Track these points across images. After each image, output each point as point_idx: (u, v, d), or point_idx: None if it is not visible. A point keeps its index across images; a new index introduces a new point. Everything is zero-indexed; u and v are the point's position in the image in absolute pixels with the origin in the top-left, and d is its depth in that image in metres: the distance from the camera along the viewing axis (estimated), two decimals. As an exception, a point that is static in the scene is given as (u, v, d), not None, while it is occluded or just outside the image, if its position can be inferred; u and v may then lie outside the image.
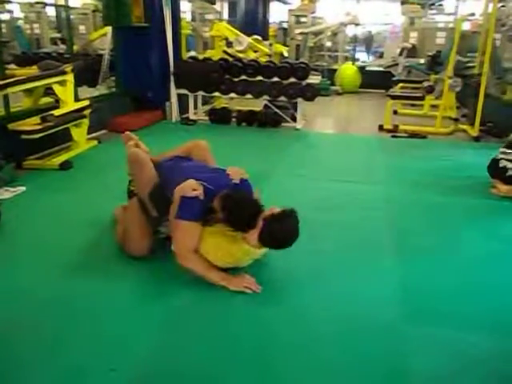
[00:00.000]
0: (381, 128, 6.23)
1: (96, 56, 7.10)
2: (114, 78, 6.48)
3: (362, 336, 1.99)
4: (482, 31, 6.03)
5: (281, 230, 2.23)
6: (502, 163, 3.76)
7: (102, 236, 2.87)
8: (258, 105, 6.47)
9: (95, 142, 4.95)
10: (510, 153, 3.78)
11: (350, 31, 11.46)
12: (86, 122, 4.70)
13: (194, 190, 2.27)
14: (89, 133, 4.89)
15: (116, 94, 6.19)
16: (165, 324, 2.06)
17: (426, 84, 6.68)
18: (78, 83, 5.03)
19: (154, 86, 6.25)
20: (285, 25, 11.97)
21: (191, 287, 2.29)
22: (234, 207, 2.28)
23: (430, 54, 8.32)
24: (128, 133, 3.06)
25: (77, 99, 4.79)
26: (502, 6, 6.82)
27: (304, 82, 6.02)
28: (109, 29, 6.45)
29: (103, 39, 7.04)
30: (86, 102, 4.76)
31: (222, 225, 2.38)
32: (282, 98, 6.08)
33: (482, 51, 5.86)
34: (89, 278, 2.40)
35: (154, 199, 2.54)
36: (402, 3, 11.21)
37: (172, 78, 6.22)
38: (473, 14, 8.52)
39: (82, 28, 9.03)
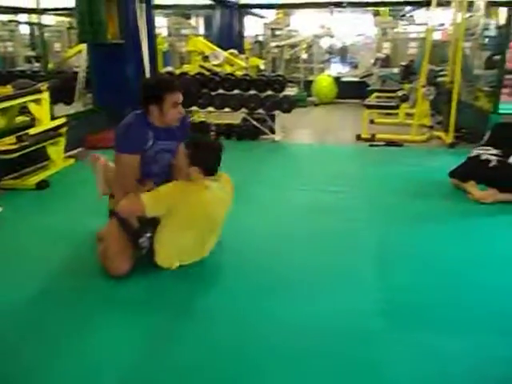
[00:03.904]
0: (358, 137, 6.31)
1: (72, 73, 7.06)
2: (90, 95, 6.44)
3: (344, 346, 2.00)
4: (452, 40, 6.19)
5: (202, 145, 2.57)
6: (484, 156, 3.86)
7: (82, 254, 2.83)
8: (236, 118, 6.50)
9: (72, 161, 4.90)
10: (488, 149, 3.89)
11: (325, 43, 11.64)
12: (62, 140, 4.65)
13: None
14: (66, 151, 4.85)
15: (93, 111, 6.15)
16: (146, 341, 2.03)
17: (400, 93, 6.81)
18: (54, 101, 4.99)
19: (131, 102, 6.20)
20: (260, 38, 12.09)
21: (171, 305, 2.28)
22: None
23: (403, 63, 8.51)
24: (94, 154, 3.08)
25: (53, 117, 4.74)
26: (470, 16, 7.03)
27: (281, 95, 6.08)
28: (84, 46, 6.43)
29: (79, 56, 7.01)
30: (63, 120, 4.72)
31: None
32: (260, 111, 6.13)
33: (452, 60, 6.01)
34: (66, 298, 2.36)
35: None
36: (375, 15, 11.46)
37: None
38: (442, 25, 8.77)
39: (56, 46, 8.97)
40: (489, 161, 3.81)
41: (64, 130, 4.65)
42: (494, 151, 3.84)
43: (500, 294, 2.43)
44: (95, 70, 6.19)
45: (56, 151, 4.59)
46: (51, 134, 4.47)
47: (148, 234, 2.50)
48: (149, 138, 2.59)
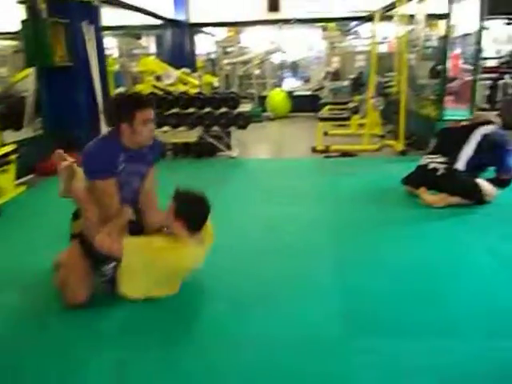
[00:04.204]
0: (314, 150, 6.43)
1: (20, 98, 6.86)
2: (40, 120, 6.28)
3: (308, 355, 2.02)
4: (397, 53, 6.46)
5: (189, 201, 2.46)
6: (431, 165, 4.00)
7: (37, 285, 2.73)
8: (192, 136, 6.48)
9: (24, 188, 4.74)
10: (435, 157, 4.05)
11: (277, 58, 11.86)
12: (12, 167, 4.51)
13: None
14: (17, 178, 4.69)
15: (43, 136, 5.99)
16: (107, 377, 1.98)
17: (351, 105, 7.01)
18: (2, 127, 4.84)
19: (82, 126, 6.11)
20: (213, 55, 12.19)
21: (133, 336, 2.23)
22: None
23: (352, 76, 8.79)
24: (60, 151, 2.78)
25: (1, 144, 4.59)
26: (412, 29, 7.37)
27: (235, 111, 6.14)
28: (32, 69, 6.28)
29: (27, 80, 6.83)
30: (12, 147, 4.58)
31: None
32: (216, 128, 6.15)
33: (398, 71, 6.26)
34: (21, 331, 2.27)
35: None
36: (323, 30, 11.79)
37: (101, 116, 6.12)
38: (386, 38, 9.13)
39: (2, 70, 8.72)
40: (436, 169, 3.97)
41: (14, 156, 4.51)
42: (441, 159, 4.00)
43: (454, 296, 2.51)
44: (44, 94, 6.05)
45: (6, 179, 4.44)
46: (0, 161, 4.32)
47: (113, 263, 2.40)
48: (120, 161, 2.43)
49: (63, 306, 2.43)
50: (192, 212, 2.45)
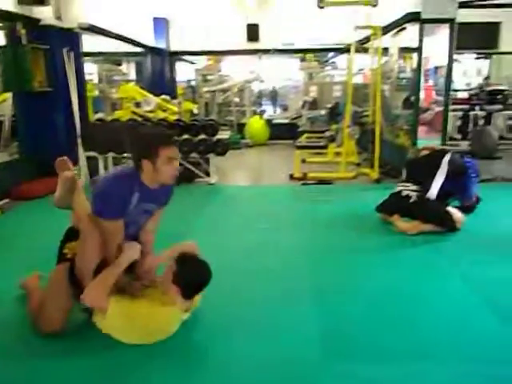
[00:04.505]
0: (291, 177, 6.51)
1: (-4, 122, 6.81)
2: (16, 144, 6.22)
3: (288, 377, 2.06)
4: (371, 84, 6.66)
5: (192, 270, 2.38)
6: (404, 193, 4.11)
7: (9, 313, 2.67)
8: (170, 162, 6.50)
9: (-2, 212, 4.68)
10: (408, 186, 4.17)
11: (256, 87, 12.07)
12: (-14, 192, 4.45)
13: None
14: (-10, 203, 4.63)
15: (19, 160, 5.93)
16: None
17: (327, 134, 7.16)
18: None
19: (60, 151, 6.03)
20: (193, 83, 12.34)
21: (112, 360, 2.20)
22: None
23: (329, 105, 8.98)
24: (65, 158, 2.70)
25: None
26: (386, 62, 7.62)
27: (214, 138, 6.20)
28: (9, 94, 6.26)
29: (3, 105, 6.80)
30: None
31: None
32: (194, 155, 6.19)
33: (373, 101, 6.44)
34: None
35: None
36: (301, 60, 12.09)
37: (79, 141, 6.11)
38: (362, 69, 9.40)
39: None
40: (409, 197, 4.08)
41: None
42: (414, 187, 4.13)
43: (428, 321, 2.56)
44: (22, 119, 6.02)
45: (-21, 204, 4.37)
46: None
47: None
48: (133, 201, 2.30)
49: (34, 334, 2.38)
50: (193, 282, 2.38)
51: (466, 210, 4.21)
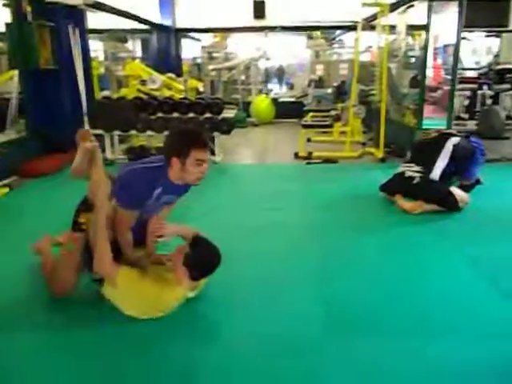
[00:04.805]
0: (296, 156, 6.52)
1: (3, 100, 6.83)
2: (24, 122, 6.26)
3: (291, 352, 2.11)
4: (378, 62, 6.60)
5: (203, 255, 2.45)
6: (408, 174, 4.14)
7: (23, 286, 2.75)
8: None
9: (6, 189, 4.74)
10: (411, 166, 4.19)
11: (262, 65, 11.97)
12: (-6, 168, 4.51)
13: None
14: (-1, 180, 4.70)
15: (26, 138, 5.98)
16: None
17: (333, 112, 7.13)
18: (-15, 129, 4.84)
19: (66, 128, 6.10)
20: (199, 60, 12.25)
21: (120, 334, 2.28)
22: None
23: (335, 84, 8.91)
24: (87, 129, 2.68)
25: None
26: (394, 39, 7.53)
27: (219, 117, 6.21)
28: (15, 71, 6.27)
29: (10, 83, 6.81)
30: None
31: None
32: (200, 133, 6.20)
33: (379, 80, 6.40)
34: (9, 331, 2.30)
35: None
36: (308, 38, 11.95)
37: (86, 118, 6.15)
38: (370, 47, 9.29)
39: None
40: (412, 178, 4.10)
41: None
42: (417, 168, 4.15)
43: (429, 298, 2.62)
44: (28, 97, 6.05)
45: (-12, 181, 4.45)
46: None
47: None
48: (154, 196, 2.36)
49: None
50: (203, 266, 2.44)
51: (464, 189, 4.21)
